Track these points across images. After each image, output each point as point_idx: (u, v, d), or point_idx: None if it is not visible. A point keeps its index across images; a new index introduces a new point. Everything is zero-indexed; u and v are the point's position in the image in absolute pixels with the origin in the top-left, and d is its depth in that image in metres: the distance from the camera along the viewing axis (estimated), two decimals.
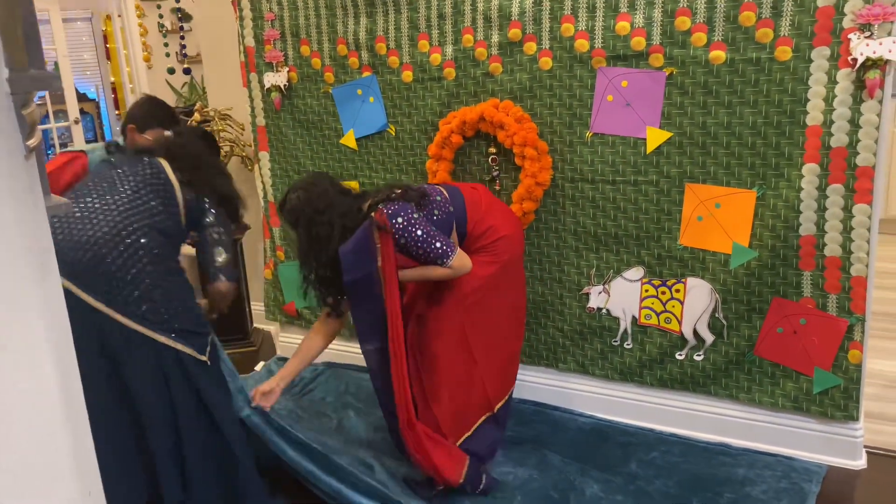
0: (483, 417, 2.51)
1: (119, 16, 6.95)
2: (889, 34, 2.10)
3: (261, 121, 3.30)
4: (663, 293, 2.63)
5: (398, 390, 2.29)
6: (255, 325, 3.88)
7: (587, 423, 2.83)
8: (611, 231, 2.66)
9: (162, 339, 2.02)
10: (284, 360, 3.49)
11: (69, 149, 2.93)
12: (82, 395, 0.92)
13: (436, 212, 2.38)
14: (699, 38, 2.35)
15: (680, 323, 2.63)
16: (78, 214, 2.02)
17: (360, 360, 3.09)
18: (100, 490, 0.96)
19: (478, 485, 2.40)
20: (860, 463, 2.49)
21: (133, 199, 2.08)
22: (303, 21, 3.06)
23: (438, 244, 2.28)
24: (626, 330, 2.74)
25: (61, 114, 6.34)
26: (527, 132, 2.63)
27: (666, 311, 2.64)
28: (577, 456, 2.60)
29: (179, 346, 2.06)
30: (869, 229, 2.28)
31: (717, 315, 2.56)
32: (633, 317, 2.71)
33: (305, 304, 3.40)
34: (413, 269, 2.35)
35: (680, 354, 2.66)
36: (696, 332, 2.61)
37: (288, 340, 3.57)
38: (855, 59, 2.14)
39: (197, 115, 3.53)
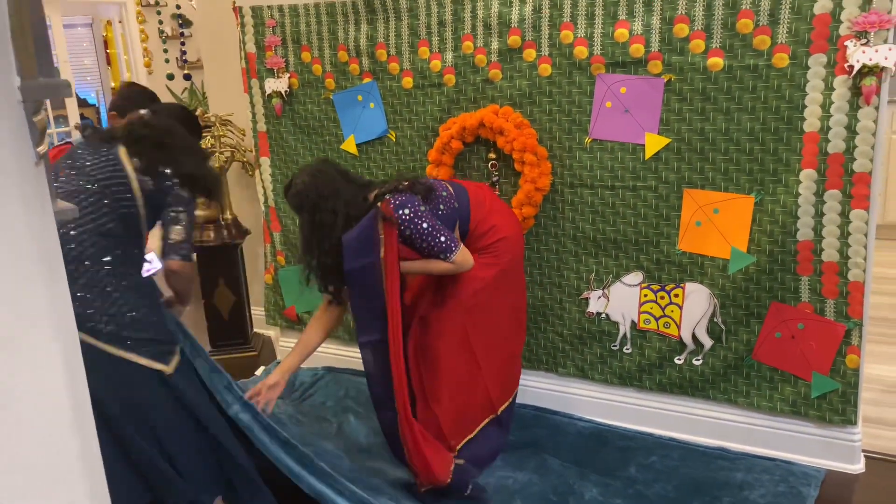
0: (486, 420, 2.52)
1: (120, 21, 6.98)
2: (885, 42, 2.13)
3: (262, 126, 3.31)
4: (662, 298, 2.65)
5: (396, 383, 2.28)
6: (255, 329, 3.90)
7: (586, 427, 2.84)
8: (610, 236, 2.67)
9: (116, 352, 1.96)
10: None
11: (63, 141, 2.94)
12: (88, 397, 0.93)
13: (441, 207, 2.38)
14: (697, 44, 2.37)
15: (679, 327, 2.64)
16: None
17: (360, 365, 3.11)
18: (105, 493, 0.97)
19: (463, 489, 2.40)
20: (858, 467, 2.50)
21: (79, 204, 2.00)
22: (304, 28, 3.08)
23: (443, 238, 2.29)
24: (625, 334, 2.75)
25: (61, 119, 6.36)
26: (526, 138, 2.64)
27: (665, 315, 2.66)
28: (576, 460, 2.61)
29: (133, 358, 1.99)
30: (866, 234, 2.30)
31: (715, 320, 2.57)
32: (633, 321, 2.73)
33: (308, 289, 3.41)
34: (415, 262, 2.35)
35: (679, 359, 2.67)
36: (694, 337, 2.63)
37: (288, 345, 3.57)
38: (851, 66, 2.16)
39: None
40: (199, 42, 4.16)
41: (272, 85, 3.19)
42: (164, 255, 2.19)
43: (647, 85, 2.48)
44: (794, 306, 2.44)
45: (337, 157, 3.17)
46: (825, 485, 2.43)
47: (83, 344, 1.91)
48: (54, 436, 0.80)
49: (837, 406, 2.45)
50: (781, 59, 2.26)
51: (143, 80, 6.58)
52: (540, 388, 2.97)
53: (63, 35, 5.89)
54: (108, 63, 7.94)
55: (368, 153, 3.09)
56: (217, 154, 3.50)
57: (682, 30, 2.38)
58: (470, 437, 2.47)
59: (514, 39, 2.65)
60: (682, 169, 2.50)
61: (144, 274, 2.16)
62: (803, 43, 2.23)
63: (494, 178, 2.82)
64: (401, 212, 2.25)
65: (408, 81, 2.91)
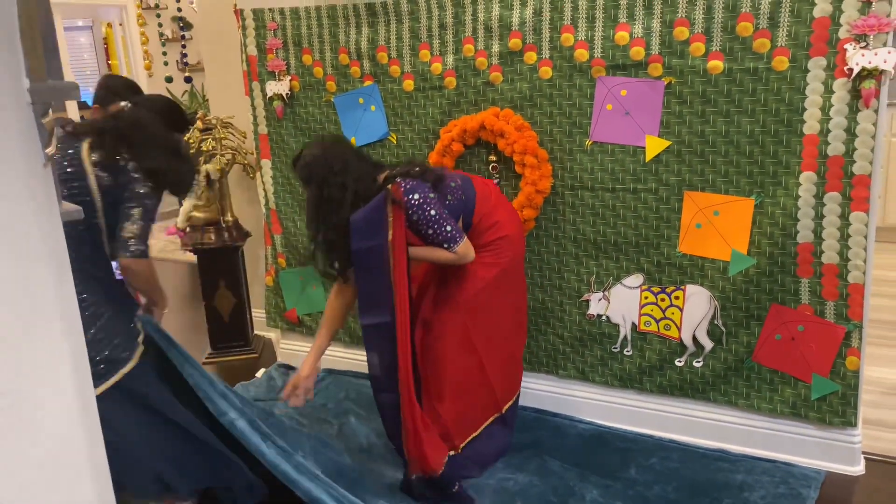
0: (491, 419, 2.53)
1: (120, 24, 6.99)
2: (884, 45, 2.14)
3: (263, 129, 3.32)
4: (662, 300, 2.65)
5: (402, 364, 2.26)
6: (256, 332, 3.90)
7: (587, 429, 2.84)
8: (610, 238, 2.68)
9: None
10: (285, 366, 3.51)
11: None
12: (94, 396, 0.94)
13: (449, 197, 2.38)
14: (697, 48, 2.38)
15: (679, 330, 2.65)
16: None
17: (360, 367, 3.12)
18: (110, 489, 0.98)
19: (451, 484, 2.38)
20: (858, 469, 2.51)
21: None
22: (305, 30, 3.09)
23: (449, 228, 2.29)
24: (625, 337, 2.76)
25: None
26: (527, 140, 2.65)
27: (665, 317, 2.66)
28: (576, 462, 2.61)
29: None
30: (866, 237, 2.30)
31: (715, 322, 2.58)
32: (633, 324, 2.73)
33: (309, 291, 3.42)
34: (418, 248, 2.34)
35: (679, 361, 2.68)
36: (695, 339, 2.63)
37: (289, 347, 3.58)
38: (851, 70, 2.17)
39: (199, 124, 3.55)
40: (200, 44, 4.17)
41: (273, 87, 3.20)
42: (114, 252, 2.10)
43: (647, 88, 2.49)
44: (794, 308, 2.45)
45: None
46: (825, 486, 2.43)
47: None
48: (64, 434, 0.80)
49: (837, 408, 2.46)
50: (781, 62, 2.27)
51: (143, 83, 6.60)
52: (540, 390, 2.97)
53: (63, 37, 5.90)
54: (109, 66, 7.95)
55: (369, 155, 3.10)
56: (218, 156, 3.51)
57: (682, 33, 2.39)
58: (474, 435, 2.48)
59: (514, 42, 2.66)
60: (682, 171, 2.51)
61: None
62: (803, 46, 2.24)
63: (495, 181, 2.82)
64: (410, 196, 2.25)
65: (409, 84, 2.92)
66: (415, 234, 2.31)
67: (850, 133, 2.23)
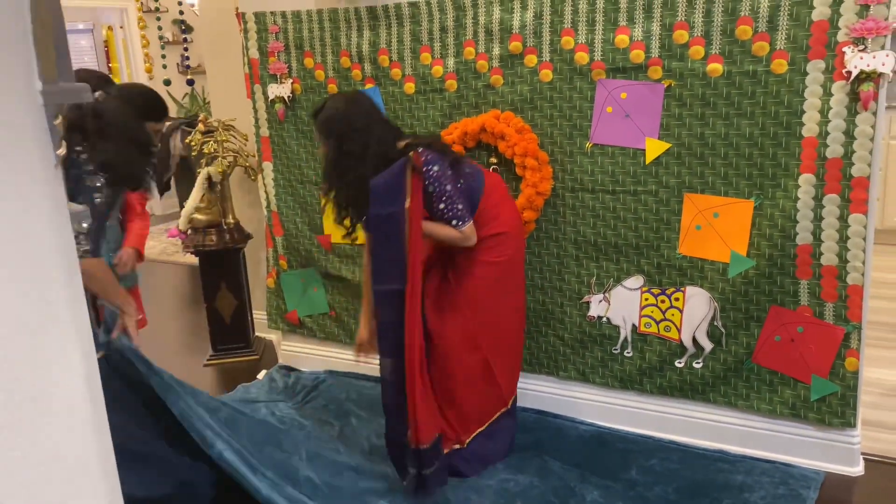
0: (499, 413, 2.57)
1: (121, 27, 7.01)
2: (882, 48, 2.15)
3: (264, 131, 3.34)
4: (662, 302, 2.67)
5: (408, 331, 2.24)
6: (257, 333, 3.91)
7: (587, 430, 2.86)
8: (610, 240, 2.69)
9: None
10: (286, 368, 3.53)
11: None
12: (102, 392, 0.95)
13: (461, 180, 2.39)
14: (697, 51, 2.39)
15: (679, 331, 2.66)
16: None
17: (361, 369, 3.13)
18: (117, 486, 0.99)
19: (429, 463, 2.34)
20: (858, 469, 2.52)
21: None
22: (306, 33, 3.11)
23: (461, 206, 2.31)
24: (625, 338, 2.77)
25: None
26: (527, 143, 2.67)
27: (665, 319, 2.68)
28: (577, 462, 2.62)
29: None
30: (864, 238, 2.32)
31: (715, 323, 2.59)
32: (633, 325, 2.75)
33: (310, 293, 3.43)
34: (426, 223, 2.33)
35: (679, 362, 2.69)
36: (695, 341, 2.65)
37: (290, 349, 3.59)
38: (849, 72, 2.19)
39: (201, 126, 3.57)
40: (201, 47, 4.18)
41: (275, 90, 3.22)
42: None
43: (647, 90, 2.50)
44: (793, 310, 2.46)
45: None
46: (824, 487, 2.44)
47: None
48: (75, 430, 0.81)
49: (837, 409, 2.47)
50: (780, 65, 2.29)
51: None
52: (541, 392, 2.98)
53: None
54: (109, 68, 7.96)
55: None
56: (220, 159, 3.52)
57: (681, 36, 2.41)
58: (481, 429, 2.50)
59: (515, 45, 2.67)
60: (682, 173, 2.52)
61: None
62: (802, 49, 2.25)
63: None
64: (430, 167, 2.25)
65: (410, 87, 2.93)
66: (426, 206, 2.30)
67: (849, 135, 2.25)
